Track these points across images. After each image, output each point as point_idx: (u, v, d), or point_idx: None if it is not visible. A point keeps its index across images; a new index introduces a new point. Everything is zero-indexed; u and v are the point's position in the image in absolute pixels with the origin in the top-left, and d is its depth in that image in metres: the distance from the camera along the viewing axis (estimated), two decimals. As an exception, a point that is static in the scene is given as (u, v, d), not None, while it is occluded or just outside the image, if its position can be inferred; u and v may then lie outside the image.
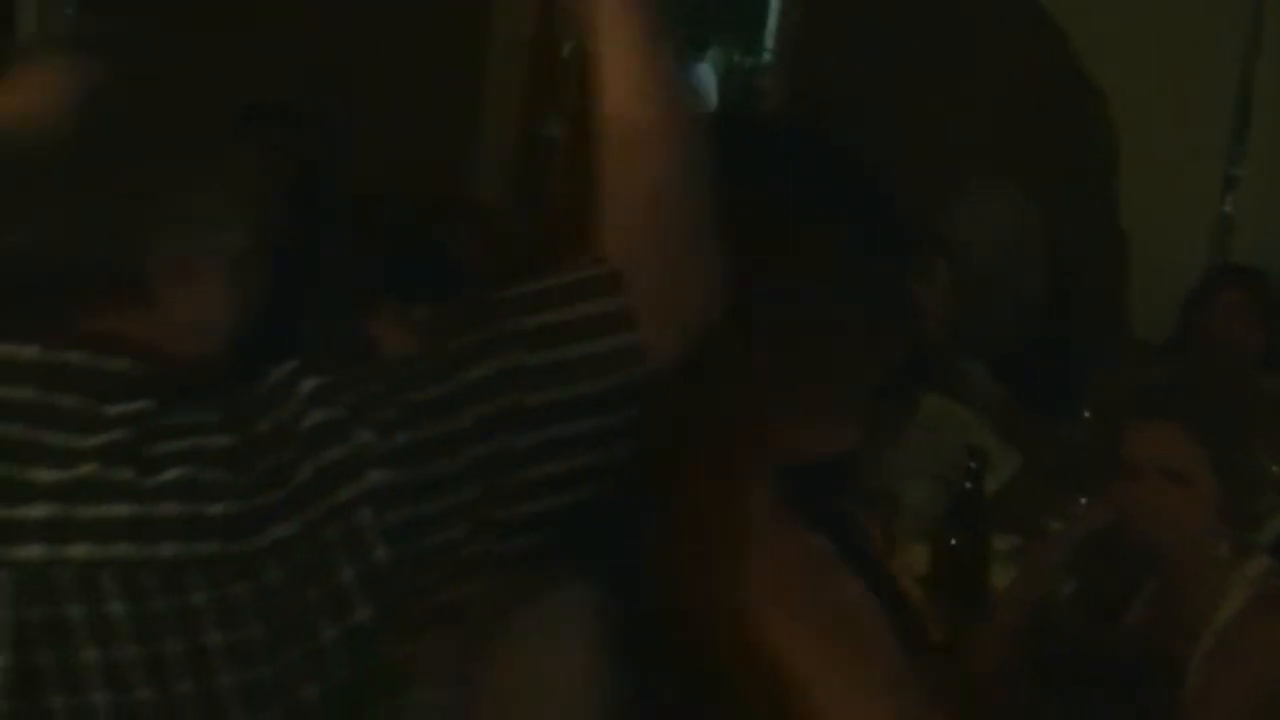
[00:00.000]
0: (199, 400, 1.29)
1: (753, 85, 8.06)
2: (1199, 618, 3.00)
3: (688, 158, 1.38)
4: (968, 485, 3.45)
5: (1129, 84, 5.60)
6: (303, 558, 1.25)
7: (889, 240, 1.52)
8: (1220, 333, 4.77)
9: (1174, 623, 3.05)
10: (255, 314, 1.41)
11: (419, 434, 1.27)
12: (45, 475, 1.25)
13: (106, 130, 1.33)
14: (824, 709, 1.36)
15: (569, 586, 1.39)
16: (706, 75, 9.02)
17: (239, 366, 1.36)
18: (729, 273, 1.36)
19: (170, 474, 1.24)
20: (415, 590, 1.29)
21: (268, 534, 1.25)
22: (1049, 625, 3.22)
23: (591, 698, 1.36)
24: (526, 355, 1.31)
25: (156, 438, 1.26)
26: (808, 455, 1.48)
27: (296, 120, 3.56)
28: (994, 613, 3.30)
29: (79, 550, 1.24)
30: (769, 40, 7.44)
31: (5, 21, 5.19)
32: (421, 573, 1.28)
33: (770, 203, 1.47)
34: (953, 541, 3.43)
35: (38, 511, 1.25)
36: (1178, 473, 3.05)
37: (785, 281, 1.45)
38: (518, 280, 1.36)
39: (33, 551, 1.24)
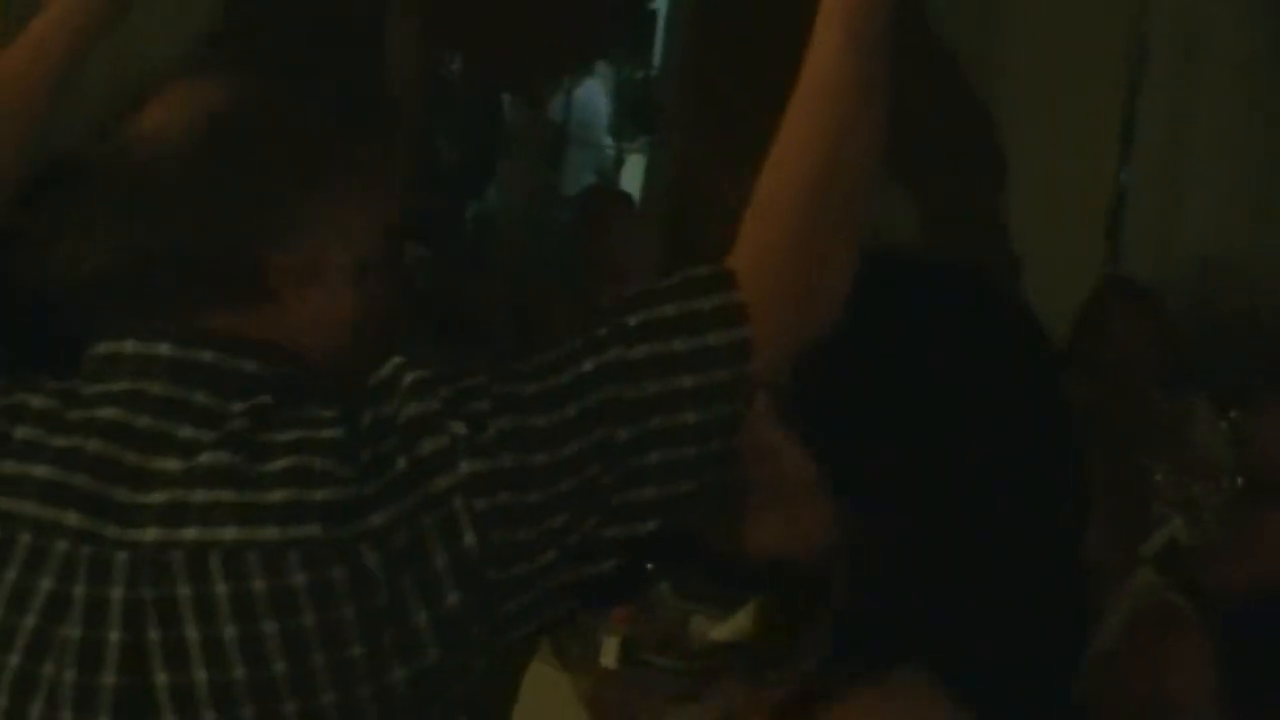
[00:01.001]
0: (318, 395, 1.35)
1: (644, 99, 8.08)
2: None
3: (863, 165, 1.44)
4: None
5: (1015, 103, 5.64)
6: (398, 544, 1.30)
7: None
8: (1107, 345, 4.79)
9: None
10: (395, 313, 1.48)
11: (512, 427, 1.32)
12: (169, 464, 1.31)
13: (234, 140, 1.39)
14: None
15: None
16: (596, 90, 9.04)
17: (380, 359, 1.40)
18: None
19: (280, 463, 1.30)
20: (508, 582, 1.33)
21: (366, 521, 1.29)
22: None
23: None
24: (628, 350, 1.35)
25: (270, 429, 1.32)
26: None
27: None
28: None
29: (190, 533, 1.29)
30: (657, 52, 7.54)
31: None
32: (513, 563, 1.32)
33: None
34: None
35: (157, 497, 1.30)
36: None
37: None
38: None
39: (150, 534, 1.30)
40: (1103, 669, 2.95)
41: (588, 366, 1.35)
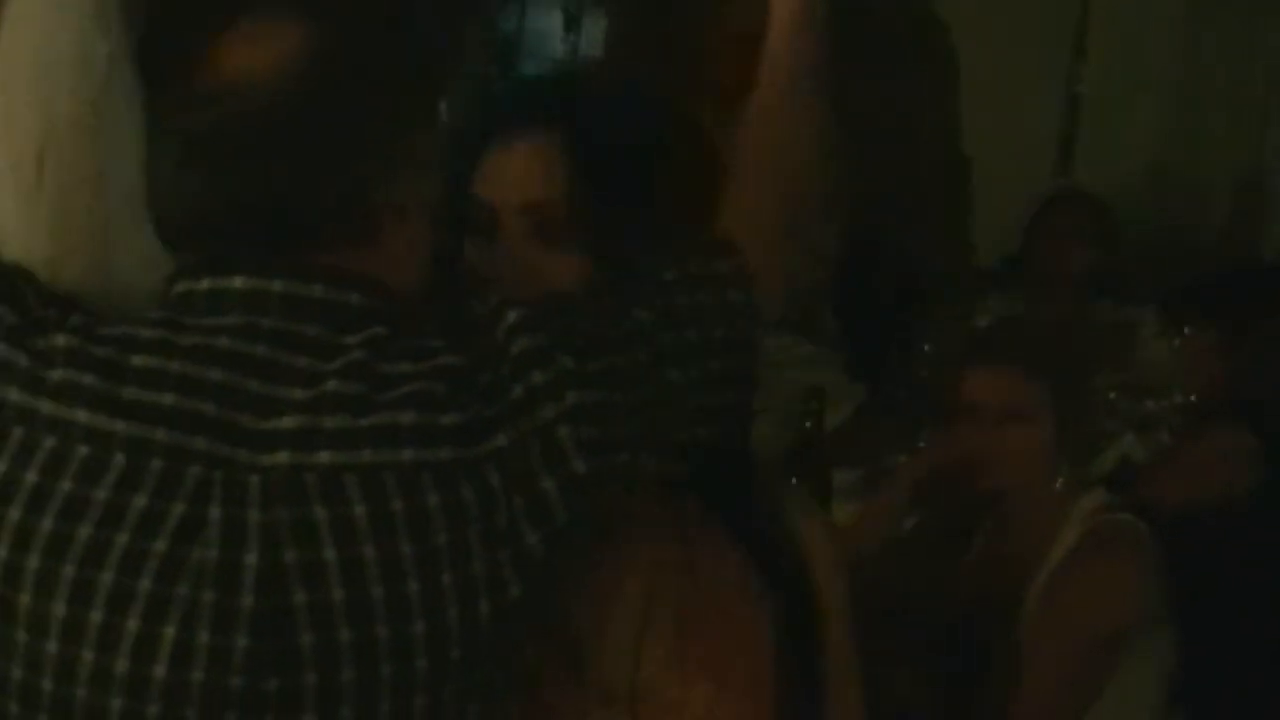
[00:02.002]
0: (421, 326, 1.41)
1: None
2: (1035, 555, 3.05)
3: (822, 142, 1.63)
4: (807, 425, 3.47)
5: (968, 8, 5.63)
6: (514, 467, 1.36)
7: None
8: (1057, 257, 4.83)
9: (1012, 560, 3.11)
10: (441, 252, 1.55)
11: (606, 363, 1.42)
12: (293, 392, 1.34)
13: (335, 80, 1.42)
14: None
15: None
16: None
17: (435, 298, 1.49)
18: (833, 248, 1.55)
19: (405, 388, 1.35)
20: (604, 505, 1.43)
21: (489, 442, 1.36)
22: (888, 563, 3.26)
23: None
24: (670, 301, 1.48)
25: (390, 358, 1.36)
26: None
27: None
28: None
29: (323, 457, 1.33)
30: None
31: None
32: (610, 487, 1.43)
33: None
34: (793, 480, 3.45)
35: (287, 423, 1.34)
36: (1014, 413, 3.10)
37: None
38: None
39: (280, 458, 1.33)
40: (1051, 592, 2.99)
41: (644, 316, 1.46)
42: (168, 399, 1.34)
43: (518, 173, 1.63)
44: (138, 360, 1.35)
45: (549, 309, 1.44)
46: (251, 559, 1.32)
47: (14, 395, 1.36)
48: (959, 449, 3.17)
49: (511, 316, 1.41)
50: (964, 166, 5.68)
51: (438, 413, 1.35)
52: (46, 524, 1.33)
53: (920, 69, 5.72)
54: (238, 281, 1.38)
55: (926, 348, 4.21)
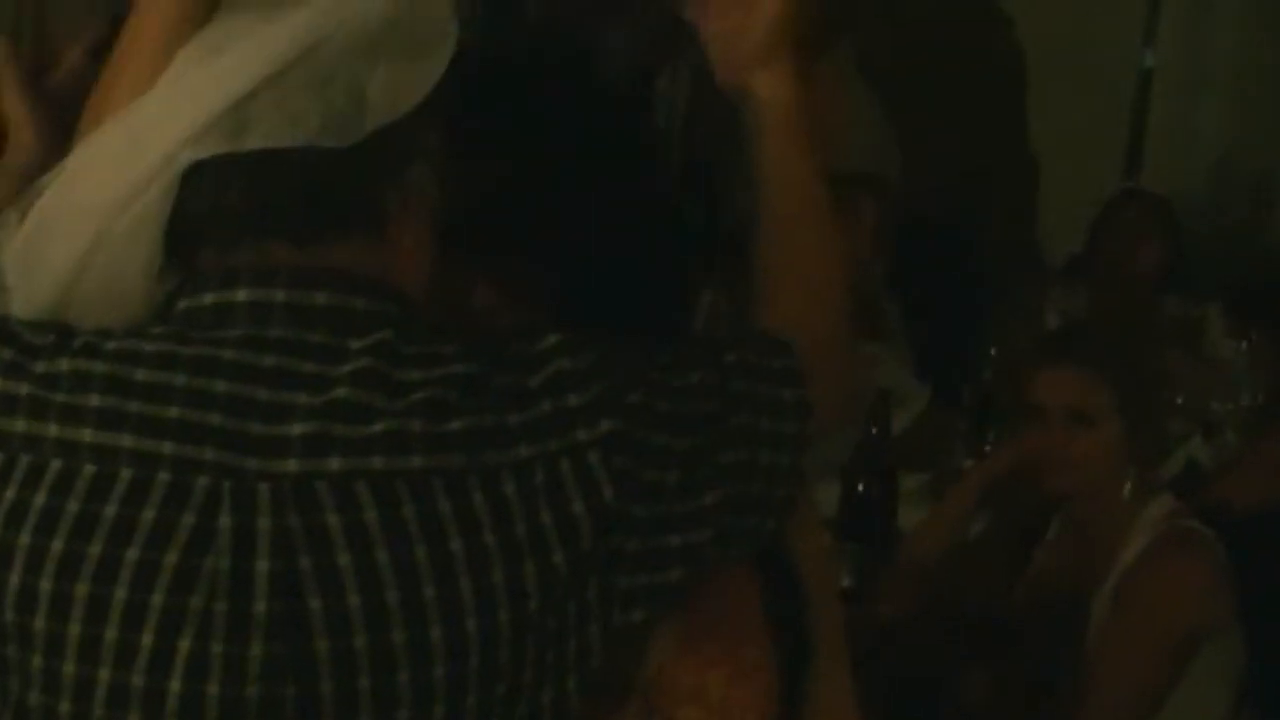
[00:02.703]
0: (430, 332, 1.39)
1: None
2: (1104, 560, 3.05)
3: (837, 258, 1.63)
4: (873, 430, 3.48)
5: (1037, 3, 5.62)
6: (537, 481, 1.34)
7: None
8: (1123, 255, 4.82)
9: (1080, 565, 3.10)
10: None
11: (646, 401, 1.39)
12: (300, 398, 1.33)
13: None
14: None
15: None
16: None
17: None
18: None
19: (415, 395, 1.33)
20: (627, 552, 1.39)
21: (507, 452, 1.34)
22: (956, 568, 3.26)
23: None
24: (725, 381, 1.45)
25: (401, 365, 1.35)
26: None
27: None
28: (903, 555, 3.35)
29: (334, 463, 1.32)
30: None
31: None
32: (632, 534, 1.39)
33: None
34: (860, 486, 3.46)
35: (296, 429, 1.32)
36: (1083, 415, 3.09)
37: None
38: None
39: (290, 465, 1.32)
40: (1120, 597, 2.99)
41: (694, 379, 1.44)
42: (173, 411, 1.32)
43: None
44: (141, 375, 1.34)
45: (596, 339, 1.42)
46: (263, 566, 1.31)
47: (20, 426, 1.35)
48: (1026, 452, 3.17)
49: (553, 338, 1.40)
50: (1031, 166, 5.67)
51: (447, 419, 1.33)
52: (57, 545, 1.32)
53: (986, 69, 5.72)
54: (241, 294, 1.36)
55: (993, 349, 4.20)
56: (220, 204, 1.37)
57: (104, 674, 1.32)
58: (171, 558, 1.31)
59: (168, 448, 1.32)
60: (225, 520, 1.32)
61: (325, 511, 1.31)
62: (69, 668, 1.32)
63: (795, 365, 1.51)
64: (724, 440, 1.44)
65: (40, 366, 1.36)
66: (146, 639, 1.31)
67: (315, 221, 1.38)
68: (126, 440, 1.33)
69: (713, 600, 1.52)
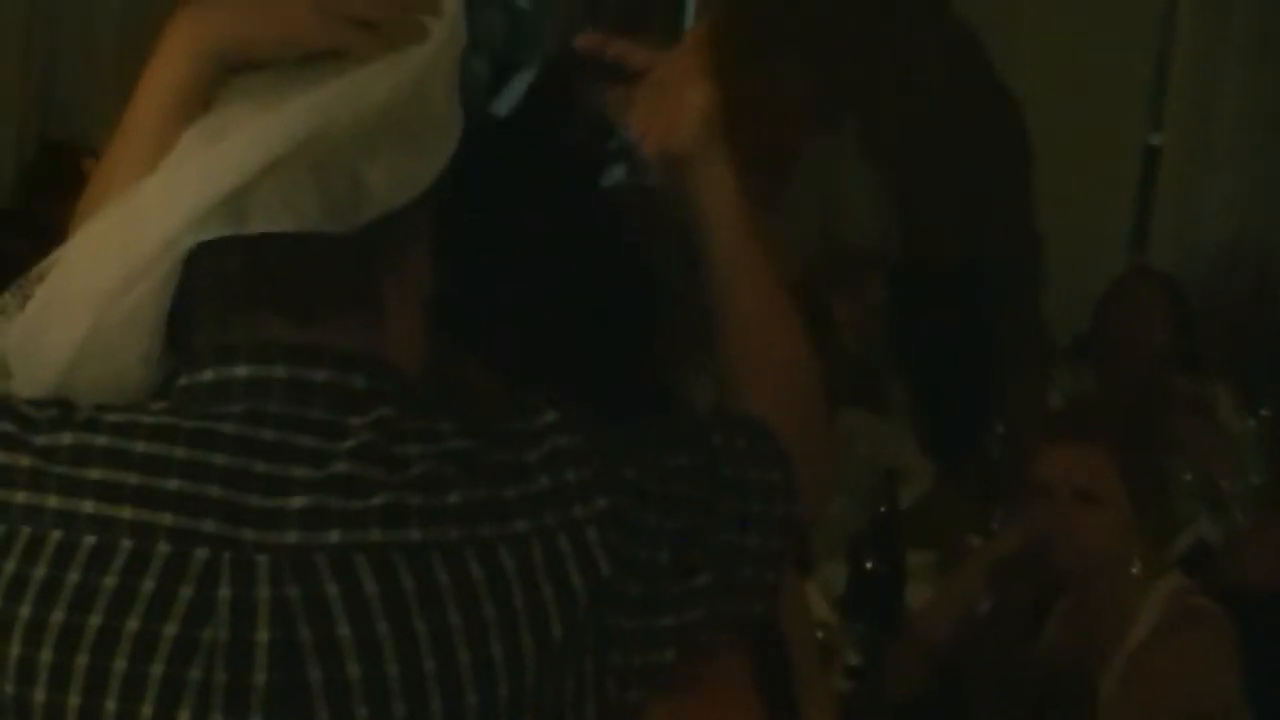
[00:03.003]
0: (428, 408, 1.41)
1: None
2: (1112, 638, 3.04)
3: (802, 344, 1.64)
4: (882, 509, 3.48)
5: (1043, 84, 5.64)
6: (535, 556, 1.36)
7: None
8: (1132, 334, 4.82)
9: (1088, 643, 3.09)
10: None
11: (641, 480, 1.42)
12: (300, 471, 1.34)
13: None
14: None
15: None
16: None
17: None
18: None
19: (414, 470, 1.35)
20: (623, 630, 1.41)
21: (504, 526, 1.36)
22: (965, 645, 3.25)
23: None
24: (714, 463, 1.48)
25: (399, 440, 1.36)
26: None
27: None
28: (912, 633, 3.34)
29: (333, 536, 1.33)
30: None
31: None
32: (626, 612, 1.40)
33: None
34: (869, 565, 3.46)
35: (295, 502, 1.33)
36: (1090, 494, 3.09)
37: None
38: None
39: (289, 537, 1.33)
40: (1129, 676, 2.98)
41: (684, 461, 1.47)
42: (173, 484, 1.33)
43: None
44: (141, 447, 1.35)
45: (592, 420, 1.44)
46: (263, 636, 1.32)
47: (20, 498, 1.35)
48: (1033, 530, 3.16)
49: (550, 415, 1.41)
50: (1037, 243, 5.68)
51: (445, 493, 1.35)
52: (57, 616, 1.33)
53: (992, 147, 5.74)
54: (241, 370, 1.37)
55: (999, 427, 4.20)
56: (219, 282, 1.38)
57: None
58: (171, 629, 1.32)
59: (167, 519, 1.33)
60: (224, 592, 1.32)
61: (324, 583, 1.32)
62: None
63: (781, 448, 1.52)
64: (714, 523, 1.46)
65: (41, 440, 1.37)
66: (147, 710, 1.32)
67: (314, 301, 1.39)
68: (126, 512, 1.34)
69: (699, 667, 1.52)
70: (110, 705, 1.32)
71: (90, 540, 1.33)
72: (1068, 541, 3.09)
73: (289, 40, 1.39)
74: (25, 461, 1.36)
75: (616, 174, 1.76)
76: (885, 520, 3.49)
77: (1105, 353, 4.84)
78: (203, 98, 1.41)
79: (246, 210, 1.36)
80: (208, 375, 1.39)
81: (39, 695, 1.33)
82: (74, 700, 1.32)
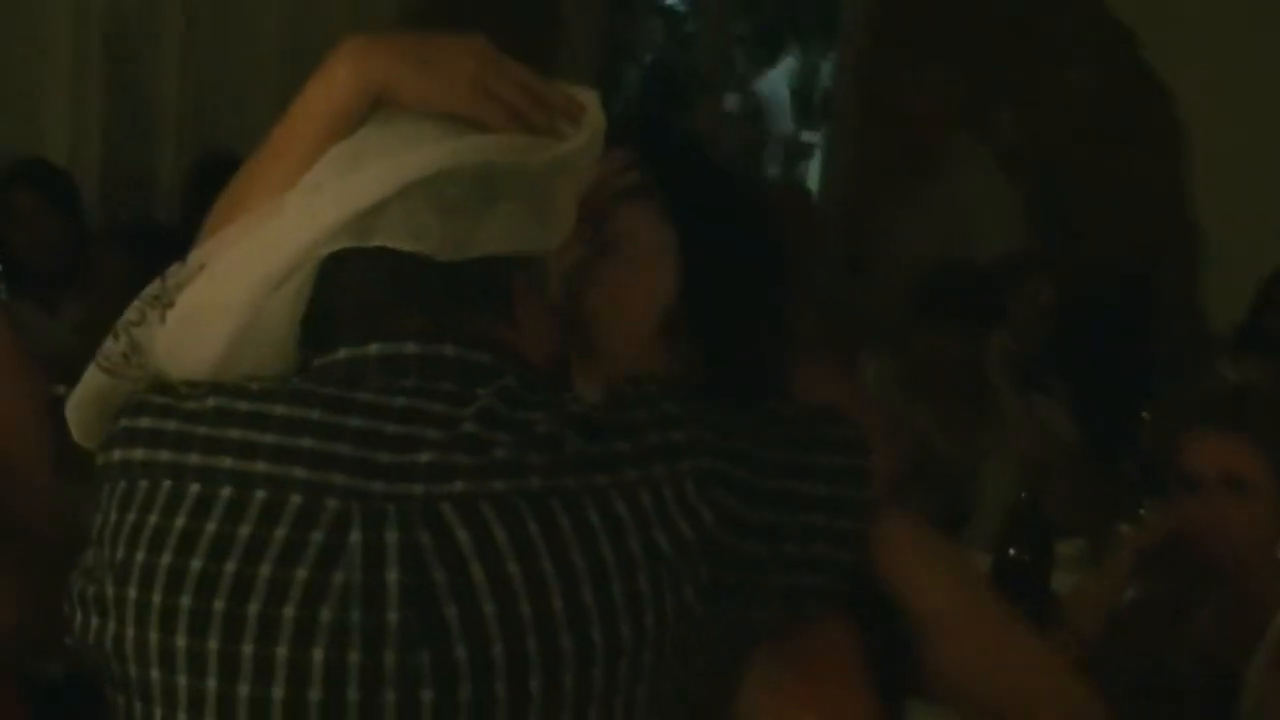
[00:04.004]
0: (548, 382, 1.50)
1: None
2: (1261, 626, 3.01)
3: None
4: (1023, 495, 3.47)
5: (1201, 76, 5.60)
6: (646, 503, 1.43)
7: None
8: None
9: (1235, 633, 3.07)
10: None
11: (734, 444, 1.50)
12: (429, 432, 1.42)
13: None
14: None
15: None
16: (778, 80, 9.03)
17: None
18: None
19: (536, 430, 1.43)
20: (723, 585, 1.47)
21: (616, 474, 1.43)
22: (1112, 634, 3.24)
23: None
24: (804, 451, 1.55)
25: (522, 406, 1.44)
26: None
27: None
28: (1058, 622, 3.33)
29: (457, 486, 1.40)
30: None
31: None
32: (729, 565, 1.47)
33: None
34: (1012, 552, 3.46)
35: (423, 458, 1.41)
36: (1238, 483, 3.07)
37: None
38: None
39: (417, 489, 1.40)
40: (1274, 667, 2.95)
41: (774, 432, 1.55)
42: (306, 442, 1.41)
43: None
44: (279, 410, 1.43)
45: (691, 394, 1.53)
46: (393, 576, 1.38)
47: (164, 456, 1.44)
48: (1181, 519, 3.15)
49: (654, 387, 1.50)
50: (1194, 235, 5.63)
51: (563, 448, 1.42)
52: (196, 564, 1.40)
53: (1148, 141, 5.70)
54: (373, 348, 1.45)
55: (1147, 415, 4.17)
56: (358, 289, 1.47)
57: (243, 690, 1.40)
58: (302, 573, 1.39)
59: (299, 473, 1.41)
60: (355, 536, 1.40)
61: (454, 529, 1.39)
62: (211, 684, 1.40)
63: (859, 435, 1.59)
64: (797, 494, 1.53)
65: (189, 405, 1.46)
66: (281, 651, 1.39)
67: (447, 295, 1.47)
68: (261, 466, 1.42)
69: (803, 641, 1.56)
70: (247, 649, 1.39)
71: (227, 492, 1.42)
72: (1215, 530, 3.07)
73: (443, 99, 1.50)
74: (172, 425, 1.45)
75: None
76: (1029, 508, 3.48)
77: (1264, 343, 4.79)
78: (354, 125, 1.51)
79: (372, 229, 1.45)
80: (341, 354, 1.47)
81: (181, 642, 1.40)
82: (213, 644, 1.40)
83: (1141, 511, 3.70)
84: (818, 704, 1.57)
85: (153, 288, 1.52)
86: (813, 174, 7.49)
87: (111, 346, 1.53)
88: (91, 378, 1.54)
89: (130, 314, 1.52)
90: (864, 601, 1.63)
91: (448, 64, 1.50)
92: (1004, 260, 5.15)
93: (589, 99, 1.55)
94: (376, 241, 1.44)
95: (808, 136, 8.63)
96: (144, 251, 4.45)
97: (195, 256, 1.52)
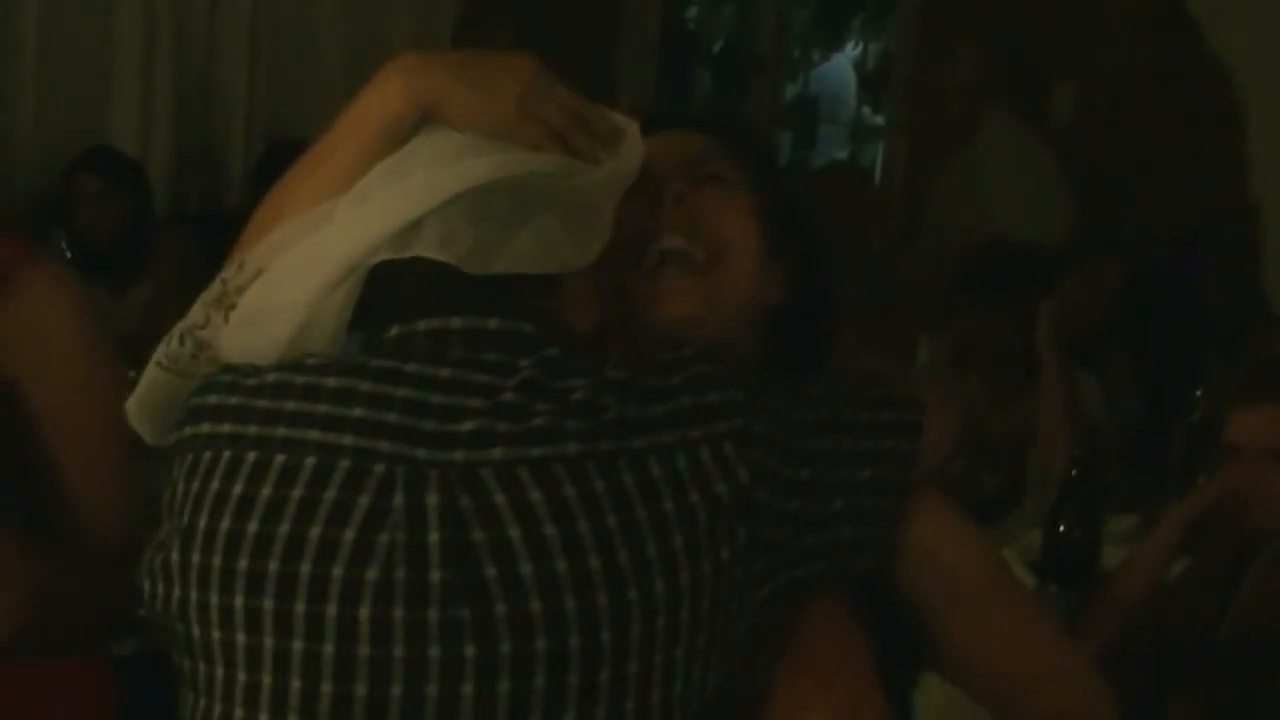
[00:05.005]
0: (587, 351, 1.56)
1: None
2: (1304, 598, 3.04)
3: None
4: (1074, 472, 3.50)
5: (1260, 51, 5.58)
6: (681, 465, 1.48)
7: None
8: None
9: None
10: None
11: (771, 404, 1.54)
12: (472, 402, 1.48)
13: None
14: None
15: None
16: (842, 65, 9.04)
17: None
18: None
19: (575, 396, 1.48)
20: (758, 542, 1.51)
21: (651, 437, 1.48)
22: (1160, 605, 3.27)
23: None
24: (853, 434, 1.59)
25: (561, 375, 1.49)
26: None
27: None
28: (1106, 595, 3.36)
29: (496, 453, 1.46)
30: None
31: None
32: (763, 523, 1.51)
33: None
34: (1062, 527, 3.48)
35: (466, 426, 1.47)
36: (1281, 454, 3.10)
37: None
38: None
39: (459, 455, 1.46)
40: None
41: (813, 393, 1.59)
42: (356, 412, 1.48)
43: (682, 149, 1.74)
44: (332, 382, 1.50)
45: (728, 357, 1.58)
46: (435, 538, 1.44)
47: (227, 428, 1.51)
48: (1227, 490, 3.17)
49: (689, 349, 1.55)
50: (1252, 212, 5.62)
51: (600, 413, 1.47)
52: (252, 527, 1.47)
53: (1205, 118, 5.69)
54: (421, 324, 1.53)
55: (1199, 390, 4.19)
56: (410, 278, 1.54)
57: (297, 645, 1.46)
58: (349, 535, 1.46)
59: (348, 440, 1.47)
60: (398, 500, 1.45)
61: (492, 493, 1.45)
62: (267, 642, 1.46)
63: (915, 419, 1.63)
64: (840, 453, 1.57)
65: (251, 381, 1.54)
66: (330, 609, 1.45)
67: (493, 285, 1.54)
68: (313, 434, 1.48)
69: (812, 634, 1.61)
70: (299, 607, 1.46)
71: (280, 459, 1.48)
72: (1261, 499, 3.10)
73: (488, 119, 1.57)
74: (235, 400, 1.53)
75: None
76: (1078, 484, 3.51)
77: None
78: (403, 137, 1.58)
79: (410, 242, 1.52)
80: (393, 331, 1.54)
81: (238, 601, 1.47)
82: (268, 604, 1.46)
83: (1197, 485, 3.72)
84: (824, 703, 1.60)
85: (213, 291, 1.60)
86: (879, 156, 7.49)
87: (177, 350, 1.60)
88: (153, 378, 1.62)
89: (194, 317, 1.59)
90: (872, 600, 1.65)
91: (495, 84, 1.57)
92: (1067, 240, 5.17)
93: (630, 126, 1.62)
94: (412, 252, 1.52)
95: (877, 119, 8.64)
96: (211, 236, 4.53)
97: (251, 260, 1.59)
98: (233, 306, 1.57)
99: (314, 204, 1.58)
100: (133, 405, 1.64)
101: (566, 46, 6.24)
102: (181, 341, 1.60)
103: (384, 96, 1.59)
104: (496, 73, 1.58)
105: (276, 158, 5.46)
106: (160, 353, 1.61)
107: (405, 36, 6.13)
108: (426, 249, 1.51)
